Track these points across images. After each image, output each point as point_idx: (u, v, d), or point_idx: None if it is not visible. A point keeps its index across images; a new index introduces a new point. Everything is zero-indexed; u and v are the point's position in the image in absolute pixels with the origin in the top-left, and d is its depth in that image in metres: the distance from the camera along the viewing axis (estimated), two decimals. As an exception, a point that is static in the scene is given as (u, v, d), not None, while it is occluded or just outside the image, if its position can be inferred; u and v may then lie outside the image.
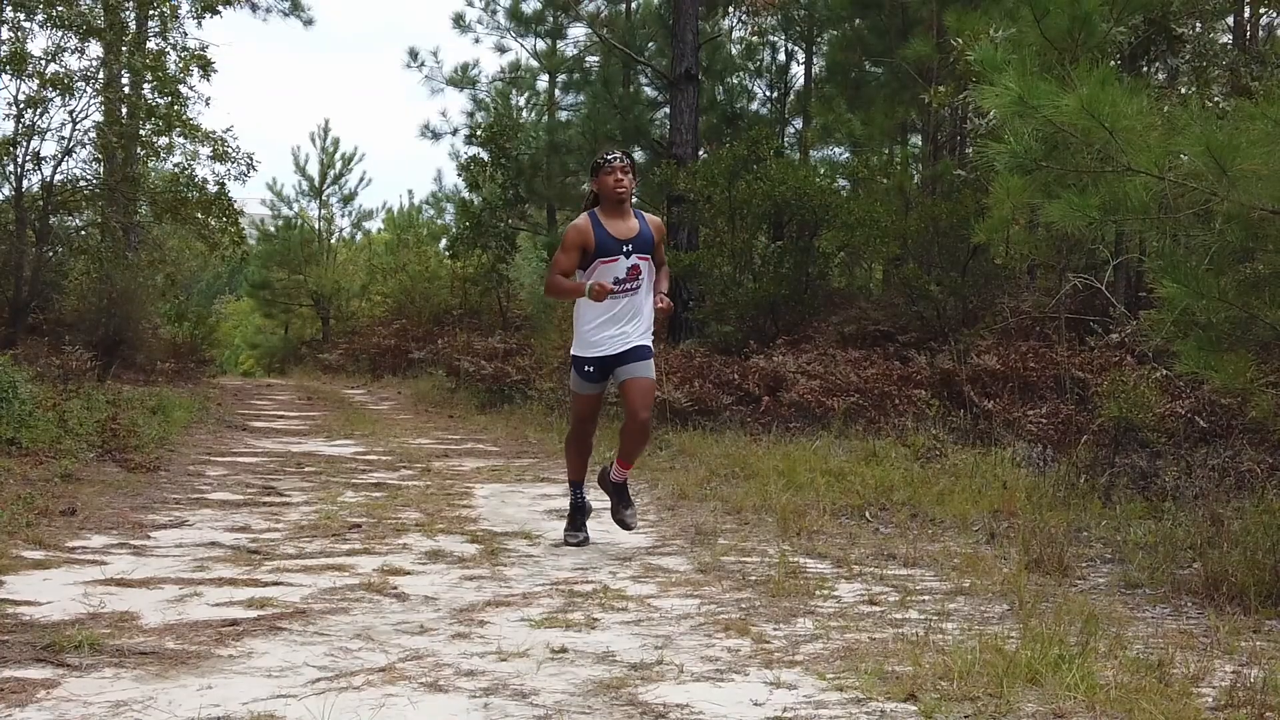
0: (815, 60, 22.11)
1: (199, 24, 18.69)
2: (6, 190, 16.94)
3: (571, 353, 6.64)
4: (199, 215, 18.36)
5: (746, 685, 3.92)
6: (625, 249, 6.37)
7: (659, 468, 9.70)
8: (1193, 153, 5.47)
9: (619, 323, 6.43)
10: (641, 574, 5.83)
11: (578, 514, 6.81)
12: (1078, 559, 6.11)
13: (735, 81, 22.24)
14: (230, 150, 18.24)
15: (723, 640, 4.51)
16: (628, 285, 6.41)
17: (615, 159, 6.44)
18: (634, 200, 6.65)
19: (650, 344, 6.54)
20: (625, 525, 6.71)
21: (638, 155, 21.08)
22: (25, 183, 17.00)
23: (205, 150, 18.21)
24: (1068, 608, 4.91)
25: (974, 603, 5.20)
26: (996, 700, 3.67)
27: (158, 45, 18.12)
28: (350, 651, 4.29)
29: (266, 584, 5.44)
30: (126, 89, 18.41)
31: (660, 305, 6.52)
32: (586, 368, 6.51)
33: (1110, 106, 5.51)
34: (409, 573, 5.77)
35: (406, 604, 5.11)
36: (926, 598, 5.30)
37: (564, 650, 4.33)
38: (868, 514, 7.47)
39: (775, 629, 4.70)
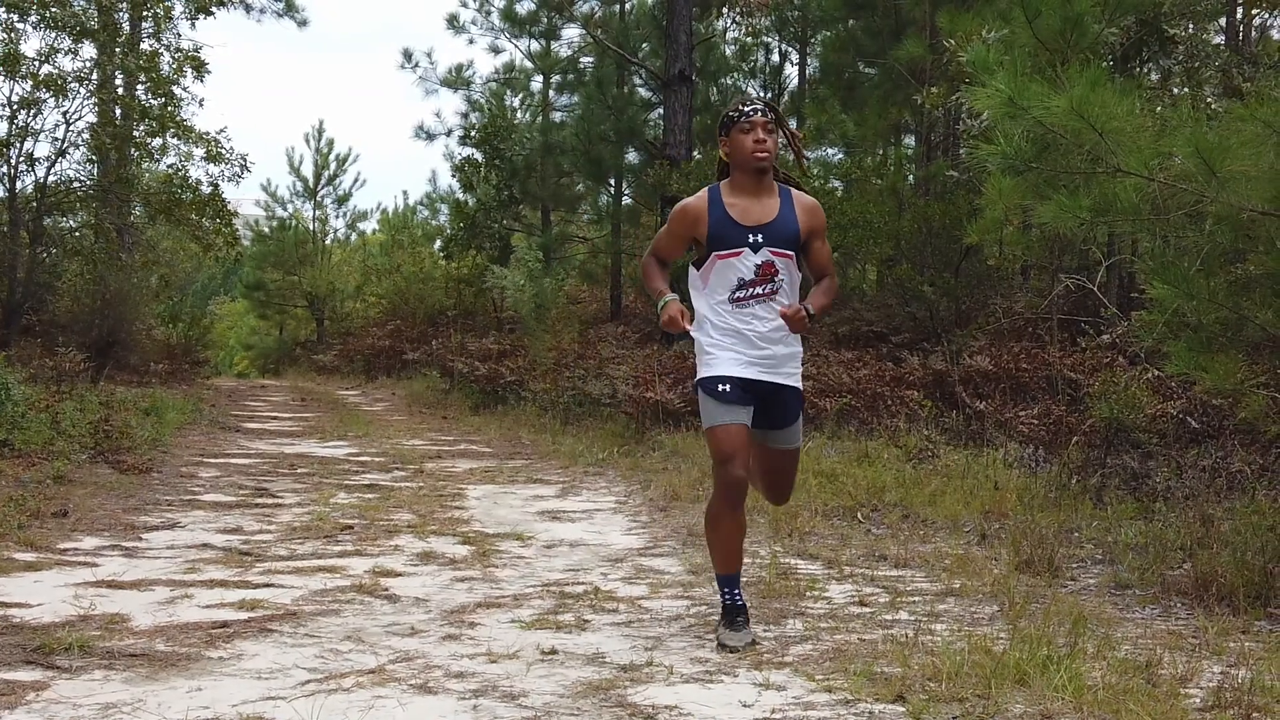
0: (809, 61, 22.15)
1: (193, 25, 18.67)
2: (0, 191, 16.92)
3: (697, 377, 4.72)
4: (193, 216, 18.37)
5: (736, 686, 3.93)
6: (753, 239, 4.56)
7: (652, 469, 9.70)
8: (1182, 154, 5.48)
9: (753, 344, 4.62)
10: (633, 575, 5.84)
11: (735, 615, 4.61)
12: (1068, 560, 6.12)
13: (729, 82, 22.25)
14: (224, 151, 18.26)
15: (713, 642, 4.51)
16: (756, 291, 4.58)
17: (756, 111, 4.63)
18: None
19: (801, 386, 4.77)
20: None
21: (631, 156, 21.08)
22: (19, 184, 17.02)
23: (199, 151, 18.24)
24: (1057, 609, 4.92)
25: (964, 604, 5.21)
26: (984, 701, 3.68)
27: (151, 46, 18.13)
28: (340, 653, 4.30)
29: (257, 586, 5.44)
30: (120, 90, 18.43)
31: (793, 310, 4.52)
32: (721, 386, 4.57)
33: (1100, 108, 5.53)
34: (400, 574, 5.77)
35: (397, 605, 5.11)
36: (917, 599, 5.31)
37: (554, 652, 4.34)
38: (859, 515, 7.48)
39: (765, 630, 4.71)
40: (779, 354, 4.64)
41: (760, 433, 4.71)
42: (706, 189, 4.74)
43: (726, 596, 4.64)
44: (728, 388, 4.58)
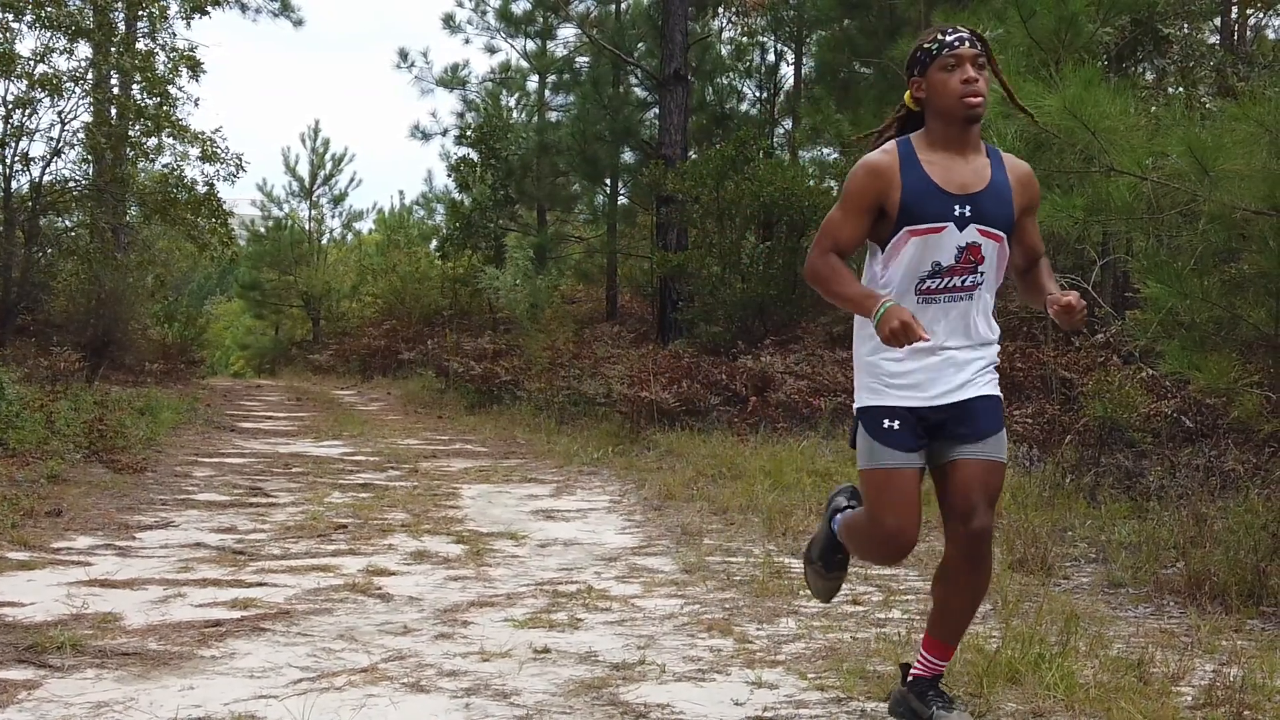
0: (804, 61, 22.13)
1: (188, 25, 18.67)
2: (-5, 191, 16.92)
3: (856, 403, 3.70)
4: (188, 216, 18.32)
5: (728, 685, 3.93)
6: (958, 212, 3.43)
7: (646, 468, 9.70)
8: (1176, 153, 5.50)
9: (935, 348, 3.51)
10: (626, 574, 5.84)
11: (835, 552, 3.95)
12: (1062, 559, 6.12)
13: (725, 82, 22.24)
14: (219, 151, 18.21)
15: (705, 640, 4.52)
16: (953, 281, 3.47)
17: (962, 41, 3.47)
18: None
19: (999, 393, 3.61)
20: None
21: (627, 156, 21.08)
22: (14, 183, 16.99)
23: (194, 151, 18.19)
24: (1050, 607, 4.93)
25: (957, 602, 5.20)
26: (977, 699, 3.69)
27: (147, 46, 18.10)
28: (333, 652, 4.30)
29: (251, 585, 5.44)
30: (115, 90, 18.40)
31: (1067, 300, 3.39)
32: (888, 421, 3.54)
33: (1094, 107, 5.54)
34: (394, 573, 5.77)
35: (390, 604, 5.11)
36: (910, 597, 5.31)
37: (547, 650, 4.34)
38: (854, 514, 7.47)
39: (758, 629, 4.71)
40: (959, 358, 3.52)
41: (946, 450, 3.54)
42: (894, 142, 3.58)
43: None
44: (897, 424, 3.52)
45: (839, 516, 3.88)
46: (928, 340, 3.35)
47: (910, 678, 3.58)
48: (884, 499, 3.53)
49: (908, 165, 3.47)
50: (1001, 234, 3.48)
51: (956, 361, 3.51)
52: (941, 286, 3.46)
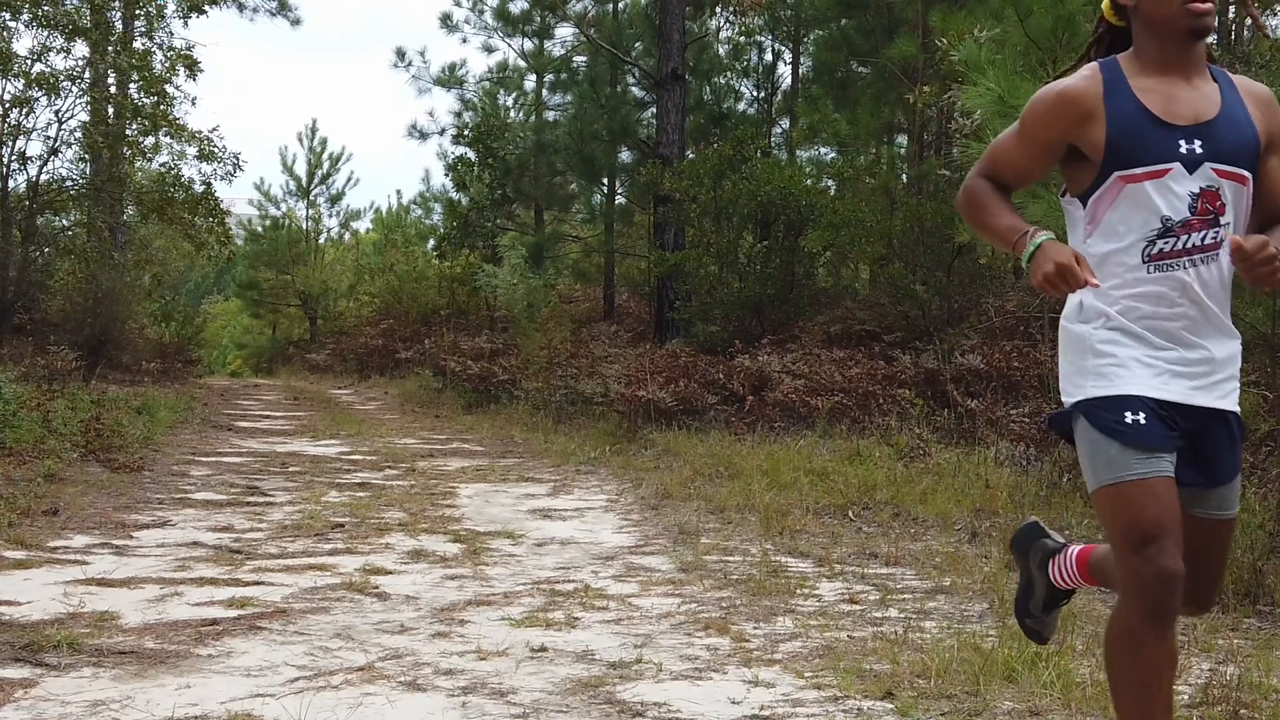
0: (802, 60, 22.15)
1: (185, 24, 18.75)
2: (-8, 190, 16.93)
3: (1073, 395, 2.79)
4: (185, 215, 18.33)
5: (725, 684, 3.93)
6: (1187, 148, 2.67)
7: (643, 467, 9.70)
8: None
9: (1178, 337, 2.72)
10: (623, 573, 5.84)
11: None
12: (1059, 557, 6.12)
13: (722, 81, 22.28)
14: (216, 150, 18.23)
15: (702, 639, 4.52)
16: (1192, 240, 2.68)
17: None
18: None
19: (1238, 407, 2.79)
20: (1038, 636, 3.43)
21: (624, 156, 21.08)
22: (11, 182, 16.99)
23: (191, 150, 18.21)
24: (1047, 606, 4.92)
25: (954, 601, 5.21)
26: (973, 698, 3.69)
27: (144, 45, 18.14)
28: (330, 651, 4.30)
29: (248, 584, 5.44)
30: (113, 89, 18.40)
31: (1254, 246, 2.60)
32: (1132, 415, 2.66)
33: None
34: (391, 572, 5.77)
35: (387, 603, 5.11)
36: (907, 596, 5.31)
37: (543, 649, 4.34)
38: (850, 513, 7.48)
39: (755, 628, 4.71)
40: (1218, 354, 2.72)
41: (1181, 491, 2.69)
42: (1095, 64, 2.80)
43: None
44: (1142, 418, 2.65)
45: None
46: (1097, 285, 2.65)
47: (1060, 584, 3.25)
48: (1145, 516, 2.60)
49: (1114, 92, 2.72)
50: (1245, 173, 2.70)
51: (1213, 357, 2.71)
52: (1179, 247, 2.67)
